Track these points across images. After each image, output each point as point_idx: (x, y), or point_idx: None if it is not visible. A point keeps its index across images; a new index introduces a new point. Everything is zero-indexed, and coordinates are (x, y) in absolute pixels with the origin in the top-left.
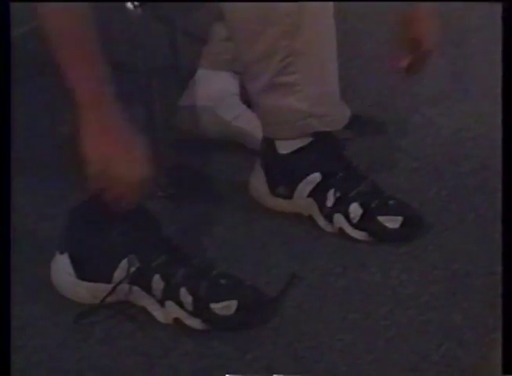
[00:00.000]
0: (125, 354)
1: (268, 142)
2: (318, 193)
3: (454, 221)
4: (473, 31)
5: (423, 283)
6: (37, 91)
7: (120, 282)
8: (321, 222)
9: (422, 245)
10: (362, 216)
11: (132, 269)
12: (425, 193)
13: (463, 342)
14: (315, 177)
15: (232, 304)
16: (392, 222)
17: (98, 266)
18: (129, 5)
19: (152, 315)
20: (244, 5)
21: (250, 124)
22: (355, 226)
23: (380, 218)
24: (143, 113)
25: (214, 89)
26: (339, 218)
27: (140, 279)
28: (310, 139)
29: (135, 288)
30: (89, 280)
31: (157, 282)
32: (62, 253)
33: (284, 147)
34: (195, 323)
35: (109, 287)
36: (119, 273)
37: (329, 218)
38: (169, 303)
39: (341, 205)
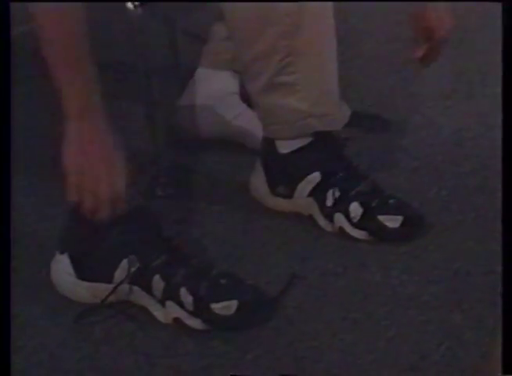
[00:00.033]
0: (125, 354)
1: (269, 142)
2: (318, 193)
3: (454, 220)
4: (473, 31)
5: (423, 282)
6: (37, 91)
7: (121, 283)
8: (321, 221)
9: (422, 245)
10: (363, 216)
11: (132, 269)
12: (425, 192)
13: (463, 342)
14: (316, 176)
15: (233, 304)
16: (392, 222)
17: (98, 266)
18: (129, 5)
19: (152, 315)
20: (244, 5)
21: (250, 124)
22: (356, 226)
23: (381, 218)
24: (143, 112)
25: (214, 88)
26: (339, 218)
27: (140, 279)
28: (310, 139)
29: (136, 288)
30: (89, 280)
31: (157, 282)
32: (62, 253)
33: (284, 147)
34: (195, 323)
35: (110, 287)
36: (119, 273)
37: (329, 217)
38: (169, 303)
39: (341, 205)
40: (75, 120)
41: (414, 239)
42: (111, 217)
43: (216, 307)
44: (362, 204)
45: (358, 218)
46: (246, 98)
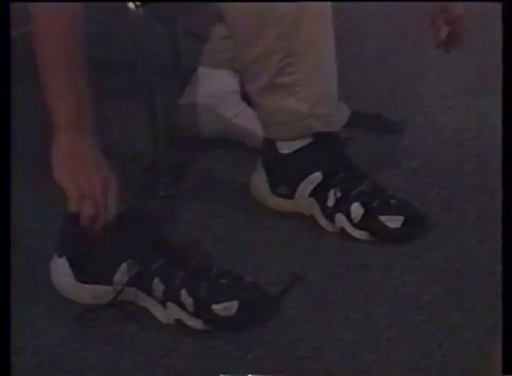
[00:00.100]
0: (126, 354)
1: (269, 142)
2: (319, 193)
3: (455, 221)
4: (473, 31)
5: (424, 282)
6: (37, 91)
7: (122, 290)
8: (322, 221)
9: (423, 245)
10: (364, 216)
11: (131, 273)
12: (426, 192)
13: (463, 342)
14: (317, 177)
15: (233, 304)
16: (393, 222)
17: (97, 270)
18: (131, 5)
19: (153, 315)
20: (243, 7)
21: (250, 122)
22: (357, 226)
23: (382, 218)
24: (144, 112)
25: (214, 87)
26: (340, 218)
27: (140, 282)
28: (310, 140)
29: (136, 290)
30: (89, 283)
31: (157, 285)
32: (60, 256)
33: (285, 147)
34: (196, 323)
35: (110, 288)
36: (118, 277)
37: (330, 217)
38: (170, 304)
39: (343, 205)
40: (65, 131)
41: (415, 239)
42: (108, 223)
43: (217, 308)
44: (363, 205)
45: (359, 218)
46: (246, 97)
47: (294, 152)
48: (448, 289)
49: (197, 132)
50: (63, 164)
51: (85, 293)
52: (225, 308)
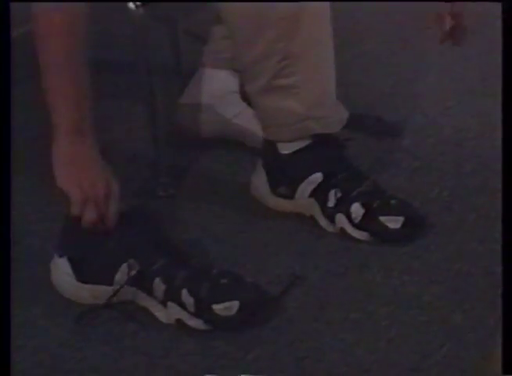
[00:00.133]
0: (126, 354)
1: (270, 143)
2: (319, 193)
3: (455, 221)
4: (473, 31)
5: (424, 283)
6: (37, 91)
7: (121, 287)
8: (322, 222)
9: (423, 245)
10: (364, 216)
11: (133, 273)
12: (426, 193)
13: (463, 342)
14: (317, 177)
15: (234, 304)
16: (394, 223)
17: (98, 270)
18: (131, 5)
19: (154, 315)
20: (241, 8)
21: (250, 122)
22: (357, 226)
23: (382, 219)
24: (144, 111)
25: (214, 87)
26: (341, 219)
27: (141, 282)
28: (310, 141)
29: (137, 290)
30: (90, 283)
31: (158, 285)
32: (61, 256)
33: (285, 147)
34: (197, 323)
35: (111, 289)
36: (119, 277)
37: (330, 218)
38: (171, 304)
39: (343, 205)
40: (66, 132)
41: (415, 239)
42: (109, 224)
43: (217, 308)
44: (363, 205)
45: (359, 218)
46: (246, 97)
47: (294, 152)
48: (448, 289)
49: (197, 132)
50: (64, 167)
51: (86, 293)
52: (225, 308)
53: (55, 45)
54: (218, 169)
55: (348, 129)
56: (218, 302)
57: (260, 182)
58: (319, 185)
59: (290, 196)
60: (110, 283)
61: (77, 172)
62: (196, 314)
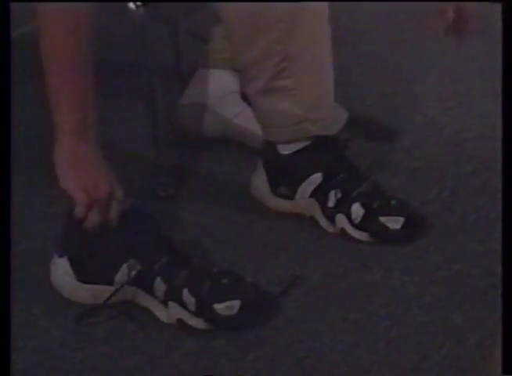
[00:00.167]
0: (127, 354)
1: (270, 143)
2: (319, 194)
3: (456, 222)
4: (473, 31)
5: (424, 283)
6: (37, 91)
7: (121, 287)
8: (323, 222)
9: (423, 246)
10: (364, 217)
11: (133, 273)
12: (427, 193)
13: (463, 343)
14: (317, 177)
15: (235, 304)
16: (394, 223)
17: (98, 270)
18: (131, 5)
19: (154, 315)
20: (239, 11)
21: (250, 122)
22: (357, 227)
23: (382, 219)
24: (144, 111)
25: (214, 87)
26: (341, 219)
27: (142, 281)
28: (309, 142)
29: (137, 290)
30: (90, 283)
31: (159, 284)
32: (60, 256)
33: (285, 148)
34: (198, 322)
35: (111, 288)
36: (120, 277)
37: (331, 218)
38: (172, 304)
39: (343, 206)
40: (68, 132)
41: (415, 240)
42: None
43: (219, 307)
44: (363, 205)
45: (359, 219)
46: (246, 97)
47: (295, 153)
48: (448, 290)
49: (197, 132)
50: (68, 168)
51: (86, 293)
52: (226, 307)
53: (59, 44)
54: (218, 169)
55: (348, 130)
56: (219, 302)
57: (260, 182)
58: (320, 185)
59: (291, 196)
60: (111, 283)
61: (80, 174)
62: (197, 313)
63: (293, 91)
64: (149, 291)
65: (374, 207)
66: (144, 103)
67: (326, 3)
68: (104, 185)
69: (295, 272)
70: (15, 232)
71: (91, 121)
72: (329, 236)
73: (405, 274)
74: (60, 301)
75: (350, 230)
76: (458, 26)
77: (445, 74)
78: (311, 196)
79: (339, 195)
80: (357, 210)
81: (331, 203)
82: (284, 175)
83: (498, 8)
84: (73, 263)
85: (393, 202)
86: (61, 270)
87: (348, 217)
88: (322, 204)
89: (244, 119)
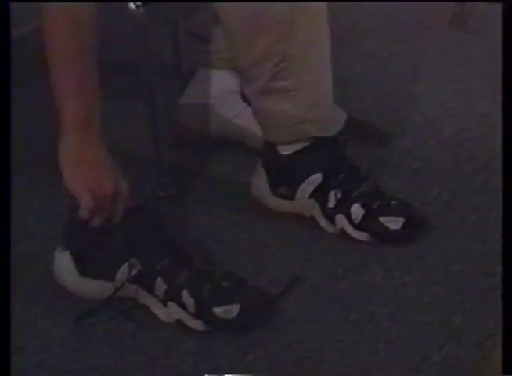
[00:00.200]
0: (126, 354)
1: (269, 143)
2: (319, 194)
3: (456, 222)
4: (473, 31)
5: (424, 284)
6: (37, 91)
7: (122, 285)
8: (323, 222)
9: (423, 246)
10: (364, 217)
11: (134, 272)
12: (427, 194)
13: (463, 343)
14: (317, 178)
15: (235, 307)
16: (394, 223)
17: (100, 267)
18: (131, 5)
19: (154, 314)
20: (238, 11)
21: (250, 122)
22: (357, 227)
23: (382, 219)
24: (144, 111)
25: (214, 87)
26: (341, 219)
27: (142, 280)
28: (308, 142)
29: (138, 288)
30: (92, 278)
31: (160, 284)
32: (64, 250)
33: (285, 148)
34: (197, 324)
35: (112, 284)
36: (121, 275)
37: (330, 218)
38: (171, 304)
39: (343, 206)
40: (74, 130)
41: (415, 240)
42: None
43: (218, 310)
44: (363, 206)
45: (359, 219)
46: (246, 97)
47: (294, 153)
48: (448, 290)
49: (197, 132)
50: (72, 168)
51: (87, 288)
52: (226, 310)
53: (65, 42)
54: (218, 169)
55: (348, 130)
56: (218, 305)
57: (260, 182)
58: (319, 185)
59: (291, 196)
60: (112, 280)
61: (85, 174)
62: (196, 315)
63: (293, 92)
64: (150, 289)
65: (374, 208)
66: (144, 103)
67: (325, 3)
68: (108, 184)
69: (295, 273)
70: (15, 232)
71: (96, 118)
72: (329, 236)
73: (405, 274)
74: (60, 301)
75: (350, 230)
76: (459, 18)
77: (445, 74)
78: (311, 196)
79: (339, 195)
80: (357, 210)
81: (331, 203)
82: (284, 176)
83: (498, 8)
84: (76, 258)
85: (393, 202)
86: (63, 263)
87: (348, 217)
88: (322, 204)
89: (244, 119)
